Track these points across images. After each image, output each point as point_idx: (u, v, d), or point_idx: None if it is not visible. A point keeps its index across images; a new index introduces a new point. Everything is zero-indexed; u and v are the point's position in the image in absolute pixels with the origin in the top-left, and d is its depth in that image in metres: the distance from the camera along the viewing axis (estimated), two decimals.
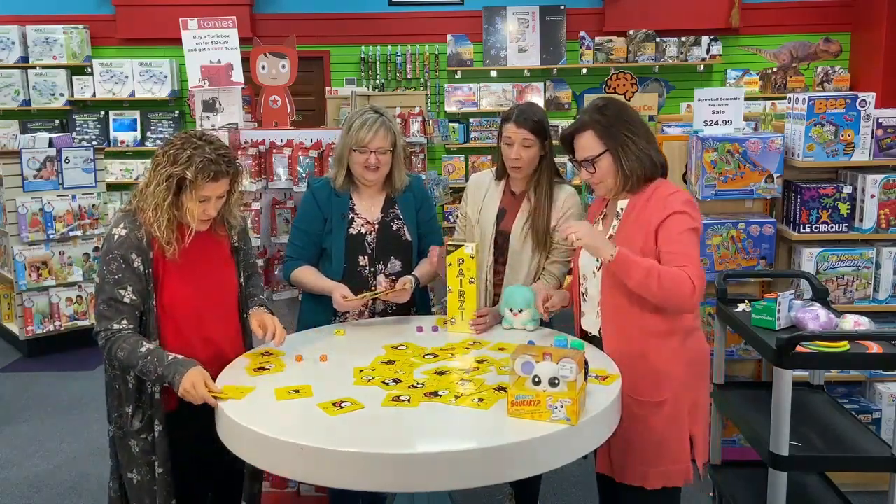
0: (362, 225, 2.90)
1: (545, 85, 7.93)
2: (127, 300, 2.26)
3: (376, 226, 2.90)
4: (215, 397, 2.14)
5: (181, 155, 2.24)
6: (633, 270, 2.23)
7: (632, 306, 2.34)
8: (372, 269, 2.88)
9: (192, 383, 2.16)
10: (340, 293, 2.72)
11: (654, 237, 2.30)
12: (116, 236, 2.27)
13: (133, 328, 2.28)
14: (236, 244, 2.54)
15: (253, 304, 2.58)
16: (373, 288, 2.85)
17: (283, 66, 3.59)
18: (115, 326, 2.26)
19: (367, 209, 2.92)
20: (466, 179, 7.92)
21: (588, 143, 2.37)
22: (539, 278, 2.86)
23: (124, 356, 2.23)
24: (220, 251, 2.49)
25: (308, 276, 2.87)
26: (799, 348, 2.50)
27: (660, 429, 2.34)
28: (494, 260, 2.94)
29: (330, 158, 3.43)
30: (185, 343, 2.34)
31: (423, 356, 2.44)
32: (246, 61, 3.57)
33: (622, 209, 2.41)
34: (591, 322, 2.52)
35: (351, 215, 2.90)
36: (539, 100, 7.81)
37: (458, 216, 3.11)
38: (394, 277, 2.89)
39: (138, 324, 2.30)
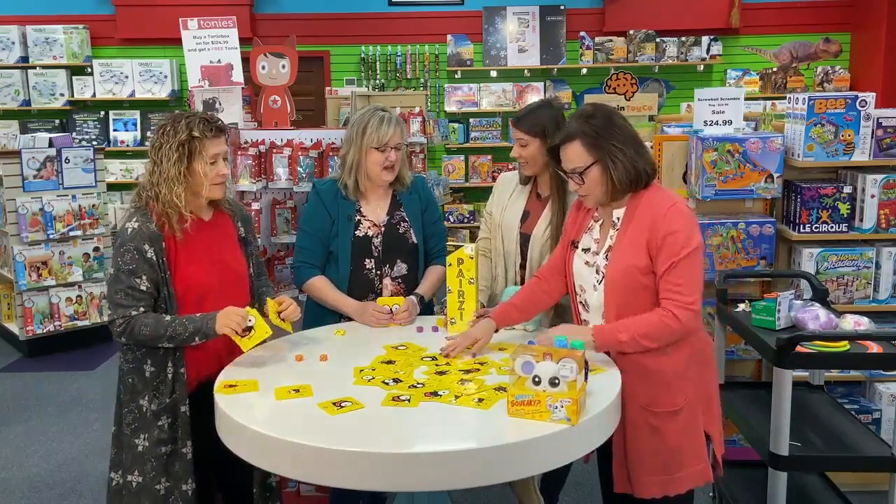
0: (368, 227, 2.89)
1: (545, 85, 7.93)
2: (143, 287, 2.35)
3: (382, 228, 2.90)
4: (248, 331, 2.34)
5: (178, 126, 2.38)
6: (618, 345, 2.25)
7: None
8: (378, 272, 2.88)
9: (227, 314, 2.32)
10: (373, 307, 2.75)
11: (647, 251, 2.26)
12: (130, 229, 2.37)
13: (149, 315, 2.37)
14: (243, 235, 2.63)
15: (272, 295, 2.64)
16: (378, 290, 2.88)
17: (283, 66, 3.59)
18: (133, 313, 2.34)
19: (374, 211, 2.92)
20: (466, 180, 7.96)
21: (576, 154, 2.30)
22: None
23: (149, 331, 2.32)
24: (229, 236, 2.58)
25: (325, 289, 2.86)
26: (799, 348, 2.50)
27: (677, 435, 2.31)
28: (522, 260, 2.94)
29: (330, 159, 3.43)
30: None
31: (423, 357, 2.44)
32: (246, 61, 3.57)
33: (619, 218, 2.36)
34: None
35: (357, 217, 2.90)
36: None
37: (484, 213, 3.11)
38: (399, 280, 2.89)
39: (153, 312, 2.38)
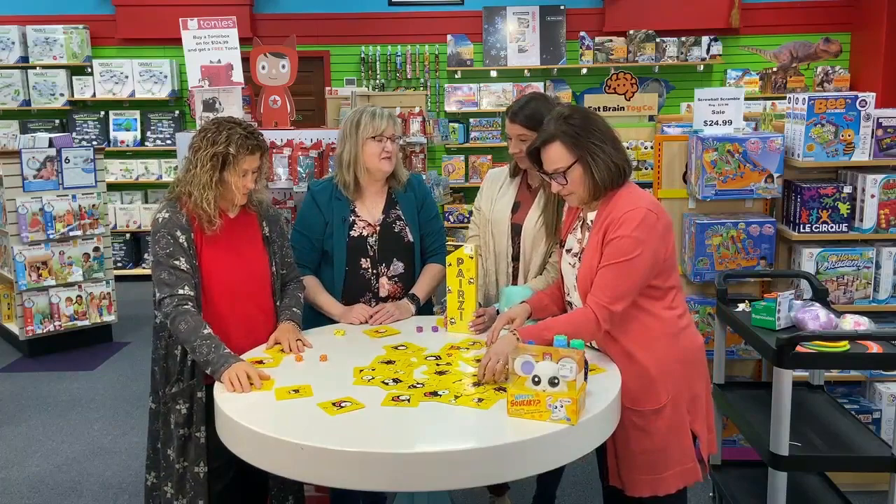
0: (364, 227, 2.89)
1: (545, 85, 7.93)
2: (183, 268, 2.46)
3: (378, 228, 2.90)
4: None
5: (219, 136, 2.47)
6: (545, 345, 2.18)
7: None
8: (374, 272, 2.88)
9: (236, 374, 2.23)
10: (358, 309, 2.80)
11: (602, 251, 2.27)
12: (161, 219, 2.51)
13: (194, 296, 2.46)
14: (267, 234, 2.68)
15: (282, 318, 2.64)
16: (375, 289, 2.88)
17: (283, 66, 3.59)
18: (181, 291, 2.43)
19: (369, 211, 2.92)
20: (466, 180, 7.96)
21: (557, 155, 2.30)
22: (543, 271, 2.85)
23: (185, 329, 2.38)
24: (252, 234, 2.66)
25: (314, 291, 2.87)
26: (799, 348, 2.50)
27: (663, 434, 2.31)
28: (514, 251, 2.92)
29: (330, 159, 3.43)
30: (220, 320, 2.50)
31: (425, 357, 2.44)
32: (246, 61, 3.56)
33: (591, 222, 2.37)
34: None
35: (352, 218, 2.89)
36: None
37: (472, 210, 3.09)
38: (396, 280, 2.89)
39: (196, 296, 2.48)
